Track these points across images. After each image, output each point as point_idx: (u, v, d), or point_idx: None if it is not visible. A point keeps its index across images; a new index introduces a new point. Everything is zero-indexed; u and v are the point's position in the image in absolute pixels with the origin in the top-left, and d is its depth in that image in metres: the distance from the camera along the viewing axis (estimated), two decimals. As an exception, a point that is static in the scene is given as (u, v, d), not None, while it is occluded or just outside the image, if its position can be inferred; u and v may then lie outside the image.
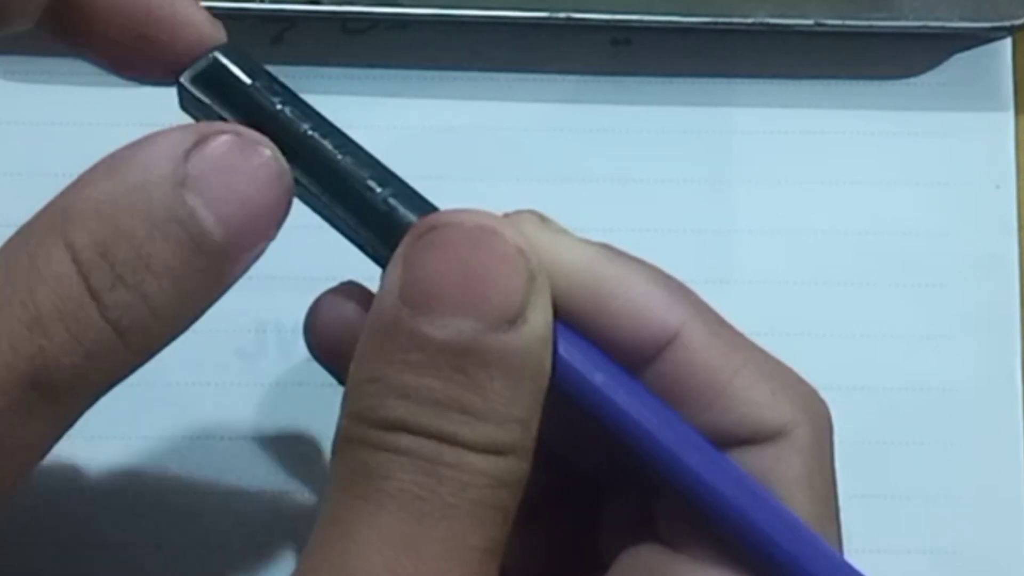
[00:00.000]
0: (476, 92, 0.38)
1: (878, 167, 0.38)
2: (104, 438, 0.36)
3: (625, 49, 0.39)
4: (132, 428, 0.36)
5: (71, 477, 0.35)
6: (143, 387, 0.36)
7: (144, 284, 0.21)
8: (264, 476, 0.36)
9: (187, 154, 0.22)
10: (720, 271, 0.37)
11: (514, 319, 0.22)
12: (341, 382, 0.25)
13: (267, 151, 0.23)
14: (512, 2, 0.36)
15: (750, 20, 0.37)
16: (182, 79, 0.24)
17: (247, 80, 0.24)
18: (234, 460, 0.36)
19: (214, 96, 0.24)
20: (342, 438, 0.23)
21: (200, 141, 0.22)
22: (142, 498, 0.35)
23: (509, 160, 0.38)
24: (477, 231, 0.22)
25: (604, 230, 0.37)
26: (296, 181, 0.24)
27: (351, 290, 0.26)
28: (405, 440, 0.22)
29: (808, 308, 0.37)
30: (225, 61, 0.24)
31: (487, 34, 0.38)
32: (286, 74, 0.38)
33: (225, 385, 0.36)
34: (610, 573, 0.25)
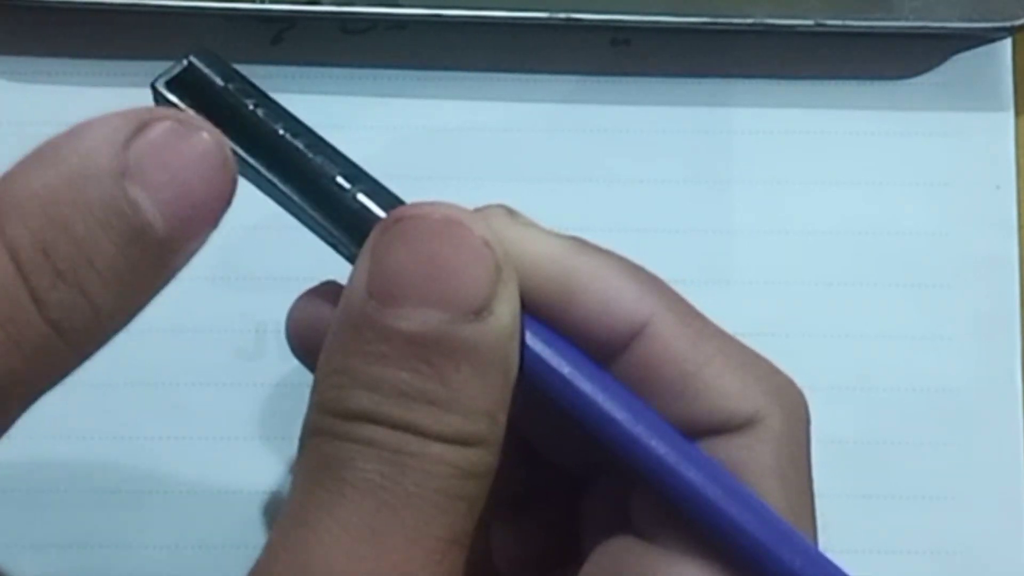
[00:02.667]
0: (476, 92, 0.38)
1: (878, 167, 0.38)
2: (104, 438, 0.36)
3: (625, 49, 0.39)
4: (132, 428, 0.36)
5: (71, 477, 0.35)
6: (143, 387, 0.36)
7: (87, 282, 0.21)
8: (264, 476, 0.36)
9: (127, 142, 0.21)
10: (720, 271, 0.37)
11: (480, 311, 0.22)
12: None
13: (206, 135, 0.22)
14: (512, 2, 0.36)
15: (750, 20, 0.37)
16: (156, 84, 0.24)
17: (220, 83, 0.24)
18: (234, 460, 0.36)
19: (188, 100, 0.24)
20: (308, 430, 0.23)
21: (140, 128, 0.22)
22: (142, 498, 0.35)
23: (509, 160, 0.38)
24: (443, 223, 0.22)
25: (604, 230, 0.38)
26: (269, 181, 0.24)
27: (328, 289, 0.26)
28: (369, 430, 0.22)
29: (808, 308, 0.37)
30: (199, 65, 0.24)
31: (487, 34, 0.38)
32: (286, 74, 0.38)
33: (225, 385, 0.36)
34: (586, 565, 0.25)
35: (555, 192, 0.38)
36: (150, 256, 0.21)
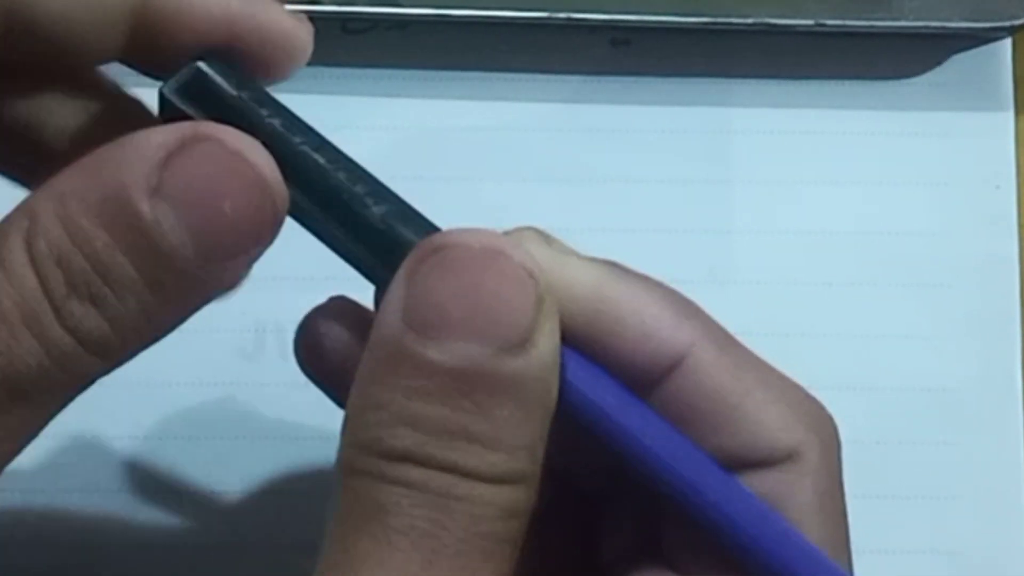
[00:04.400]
0: (476, 92, 0.38)
1: (878, 167, 0.38)
2: (104, 438, 0.36)
3: (625, 49, 0.39)
4: (132, 428, 0.36)
5: (71, 477, 0.35)
6: (143, 387, 0.36)
7: (100, 297, 0.21)
8: (264, 476, 0.36)
9: (167, 158, 0.21)
10: (720, 271, 0.37)
11: (522, 343, 0.21)
12: (336, 400, 0.25)
13: (255, 160, 0.21)
14: (512, 2, 0.36)
15: (750, 20, 0.37)
16: (164, 90, 0.23)
17: (232, 92, 0.23)
18: (234, 460, 0.36)
19: (198, 108, 0.23)
20: (346, 468, 0.22)
21: (183, 145, 0.21)
22: (142, 498, 0.35)
23: (509, 160, 0.38)
24: (485, 252, 0.22)
25: (604, 230, 0.38)
26: (291, 199, 0.23)
27: (341, 306, 0.25)
28: (414, 472, 0.21)
29: (808, 308, 0.37)
30: (209, 71, 0.23)
31: (487, 34, 0.38)
32: (286, 74, 0.38)
33: (225, 385, 0.36)
34: None
35: (555, 192, 0.38)
36: (176, 279, 0.21)
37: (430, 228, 0.23)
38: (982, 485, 0.36)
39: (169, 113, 0.23)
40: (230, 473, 0.36)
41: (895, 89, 0.39)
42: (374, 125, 0.38)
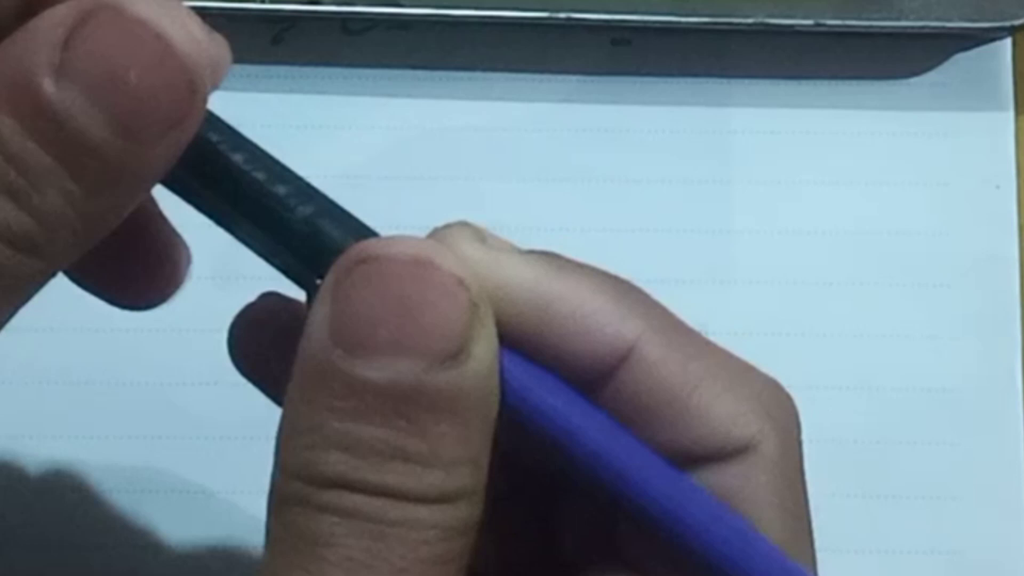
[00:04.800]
0: (476, 92, 0.38)
1: (878, 167, 0.38)
2: (104, 438, 0.36)
3: (625, 49, 0.39)
4: (131, 428, 0.36)
5: (70, 477, 0.35)
6: (142, 387, 0.36)
7: (16, 189, 0.19)
8: (264, 477, 0.36)
9: (69, 34, 0.19)
10: (720, 271, 0.37)
11: (457, 354, 0.20)
12: (271, 398, 0.25)
13: (161, 28, 0.20)
14: (512, 2, 0.36)
15: (750, 20, 0.37)
16: None
17: None
18: (234, 460, 0.36)
19: None
20: (277, 495, 0.21)
21: (84, 19, 0.19)
22: (142, 498, 0.35)
23: (508, 160, 0.38)
24: (412, 262, 0.21)
25: (604, 230, 0.38)
26: (207, 199, 0.22)
27: (271, 302, 0.25)
28: (347, 499, 0.20)
29: (808, 308, 0.37)
30: None
31: (487, 34, 0.38)
32: (286, 74, 0.38)
33: (225, 385, 0.36)
34: None
35: (555, 192, 0.38)
36: (96, 162, 0.19)
37: (359, 230, 0.22)
38: (982, 485, 0.36)
39: None
40: (230, 473, 0.36)
41: (895, 89, 0.39)
42: (374, 125, 0.38)
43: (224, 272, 0.36)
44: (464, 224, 0.23)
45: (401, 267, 0.20)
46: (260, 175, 0.22)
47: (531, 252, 0.23)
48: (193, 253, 0.35)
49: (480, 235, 0.23)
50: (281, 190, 0.22)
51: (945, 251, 0.38)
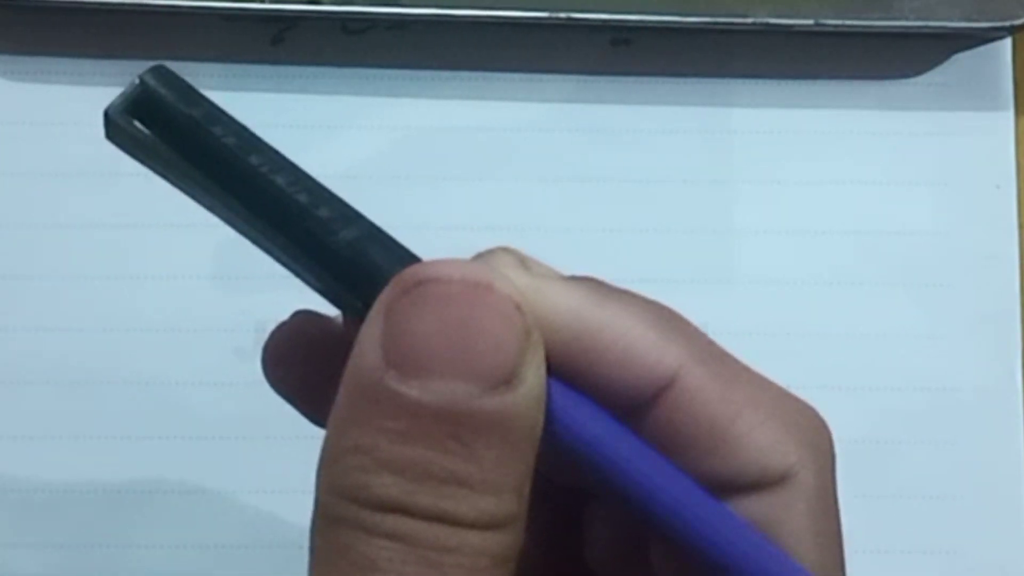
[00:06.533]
0: (476, 92, 0.38)
1: (878, 167, 0.38)
2: (104, 438, 0.36)
3: (625, 49, 0.39)
4: (132, 428, 0.36)
5: (71, 477, 0.35)
6: (143, 387, 0.36)
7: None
8: (264, 476, 0.36)
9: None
10: (720, 271, 0.37)
11: (509, 379, 0.20)
12: (309, 417, 0.25)
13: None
14: (512, 2, 0.36)
15: (750, 20, 0.37)
16: (109, 110, 0.21)
17: (184, 110, 0.21)
18: (234, 460, 0.36)
19: (146, 128, 0.21)
20: (325, 516, 0.21)
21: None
22: (142, 498, 0.35)
23: (509, 160, 0.38)
24: (471, 286, 0.20)
25: (604, 230, 0.38)
26: (246, 222, 0.22)
27: (305, 320, 0.25)
28: (402, 524, 0.20)
29: (808, 308, 0.37)
30: (156, 86, 0.21)
31: (487, 34, 0.38)
32: (286, 74, 0.38)
33: (225, 385, 0.36)
34: None
35: (555, 192, 0.38)
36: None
37: (404, 255, 0.22)
38: (982, 485, 0.36)
39: (114, 133, 0.22)
40: (230, 473, 0.36)
41: (895, 89, 0.39)
42: (374, 125, 0.38)
43: (224, 272, 0.36)
44: (506, 249, 0.23)
45: (459, 290, 0.20)
46: (302, 197, 0.21)
47: (573, 278, 0.23)
48: (193, 253, 0.35)
49: (523, 261, 0.23)
50: (324, 213, 0.21)
51: (945, 251, 0.38)
